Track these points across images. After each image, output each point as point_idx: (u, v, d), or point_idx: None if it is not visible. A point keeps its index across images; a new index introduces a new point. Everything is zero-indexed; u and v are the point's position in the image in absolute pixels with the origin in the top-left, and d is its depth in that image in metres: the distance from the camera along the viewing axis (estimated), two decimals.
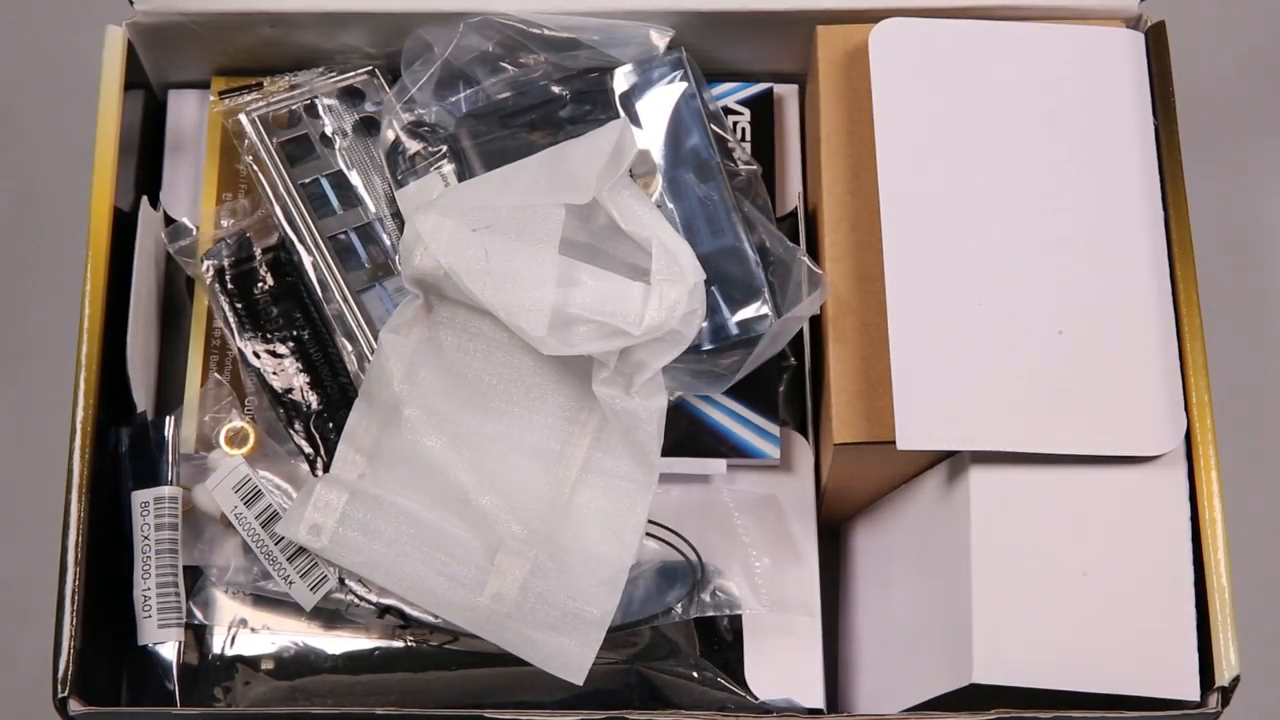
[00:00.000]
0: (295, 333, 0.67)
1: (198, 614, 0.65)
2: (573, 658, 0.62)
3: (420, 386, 0.64)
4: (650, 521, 0.65)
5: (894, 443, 0.61)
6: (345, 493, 0.64)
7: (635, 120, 0.68)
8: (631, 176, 0.65)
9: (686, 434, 0.67)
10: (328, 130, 0.69)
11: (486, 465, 0.63)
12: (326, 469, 0.65)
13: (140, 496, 0.64)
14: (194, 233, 0.69)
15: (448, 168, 0.68)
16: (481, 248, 0.61)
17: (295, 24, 0.69)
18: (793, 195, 0.72)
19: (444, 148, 0.68)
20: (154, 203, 0.70)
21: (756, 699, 0.65)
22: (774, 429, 0.68)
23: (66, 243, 0.74)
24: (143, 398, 0.66)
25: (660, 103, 0.68)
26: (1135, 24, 0.67)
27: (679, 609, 0.66)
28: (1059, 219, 0.63)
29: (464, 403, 0.64)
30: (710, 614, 0.66)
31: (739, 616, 0.66)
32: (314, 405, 0.66)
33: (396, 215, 0.68)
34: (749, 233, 0.66)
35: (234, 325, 0.67)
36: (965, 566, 0.60)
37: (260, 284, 0.67)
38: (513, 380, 0.64)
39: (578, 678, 0.62)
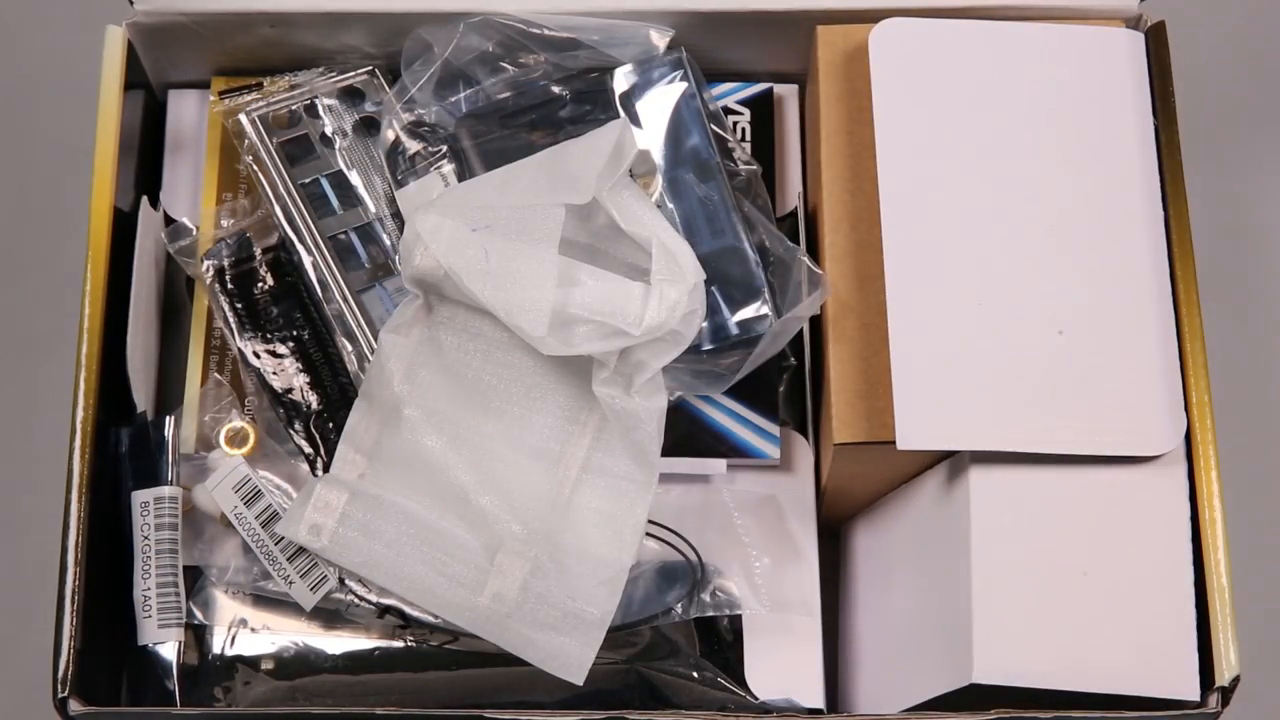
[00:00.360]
0: (295, 333, 0.67)
1: (198, 614, 0.65)
2: (573, 658, 0.62)
3: (420, 386, 0.64)
4: (650, 521, 0.65)
5: (894, 443, 0.61)
6: (345, 493, 0.64)
7: (635, 120, 0.68)
8: (631, 176, 0.65)
9: (686, 434, 0.67)
10: (328, 130, 0.69)
11: (486, 465, 0.63)
12: (326, 469, 0.65)
13: (140, 496, 0.64)
14: (194, 233, 0.69)
15: (448, 168, 0.67)
16: (481, 248, 0.61)
17: (295, 24, 0.69)
18: (793, 195, 0.72)
19: (444, 148, 0.68)
20: (154, 203, 0.70)
21: (756, 699, 0.65)
22: (774, 429, 0.68)
23: (66, 243, 0.75)
24: (143, 398, 0.66)
25: (660, 103, 0.68)
26: (1135, 24, 0.67)
27: (679, 609, 0.66)
28: (1059, 219, 0.63)
29: (464, 403, 0.64)
30: (710, 614, 0.66)
31: (739, 616, 0.66)
32: (314, 405, 0.66)
33: (396, 215, 0.68)
34: (749, 233, 0.66)
35: (234, 325, 0.67)
36: (965, 566, 0.60)
37: (260, 284, 0.67)
38: (513, 380, 0.64)
39: (578, 678, 0.62)
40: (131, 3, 0.68)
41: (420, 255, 0.62)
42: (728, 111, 0.72)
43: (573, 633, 0.62)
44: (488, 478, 0.63)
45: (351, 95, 0.70)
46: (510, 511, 0.63)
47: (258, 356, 0.67)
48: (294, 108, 0.69)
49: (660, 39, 0.69)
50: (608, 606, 0.62)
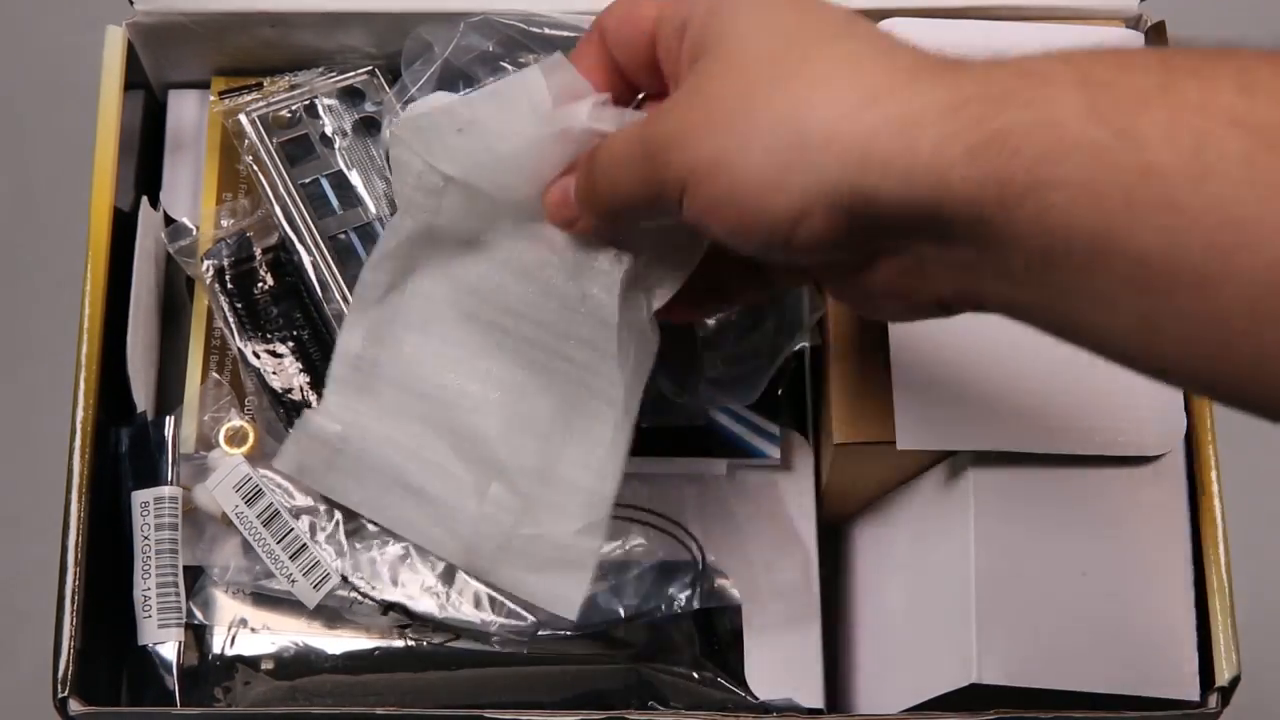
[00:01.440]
0: (295, 333, 0.67)
1: (198, 614, 0.65)
2: (563, 595, 0.60)
3: (418, 309, 0.62)
4: (651, 511, 0.64)
5: (894, 443, 0.61)
6: (337, 425, 0.62)
7: None
8: None
9: (686, 434, 0.67)
10: (328, 130, 0.69)
11: (483, 394, 0.61)
12: None
13: (140, 496, 0.64)
14: (194, 233, 0.69)
15: None
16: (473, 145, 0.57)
17: (295, 24, 0.69)
18: None
19: None
20: (154, 203, 0.70)
21: (756, 699, 0.65)
22: (774, 429, 0.68)
23: (66, 243, 0.75)
24: (143, 398, 0.66)
25: None
26: (1135, 24, 0.67)
27: (682, 599, 0.65)
28: None
29: (464, 328, 0.61)
30: (712, 605, 0.66)
31: (739, 617, 0.66)
32: (314, 405, 0.66)
33: None
34: None
35: (234, 325, 0.67)
36: (965, 566, 0.60)
37: (260, 284, 0.67)
38: (515, 302, 0.60)
39: (571, 613, 0.60)
40: (131, 3, 0.68)
41: (422, 166, 0.58)
42: None
43: (563, 573, 0.60)
44: (484, 407, 0.61)
45: (351, 95, 0.70)
46: (506, 444, 0.61)
47: (258, 356, 0.67)
48: (294, 108, 0.69)
49: None
50: (594, 545, 0.60)
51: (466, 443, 0.61)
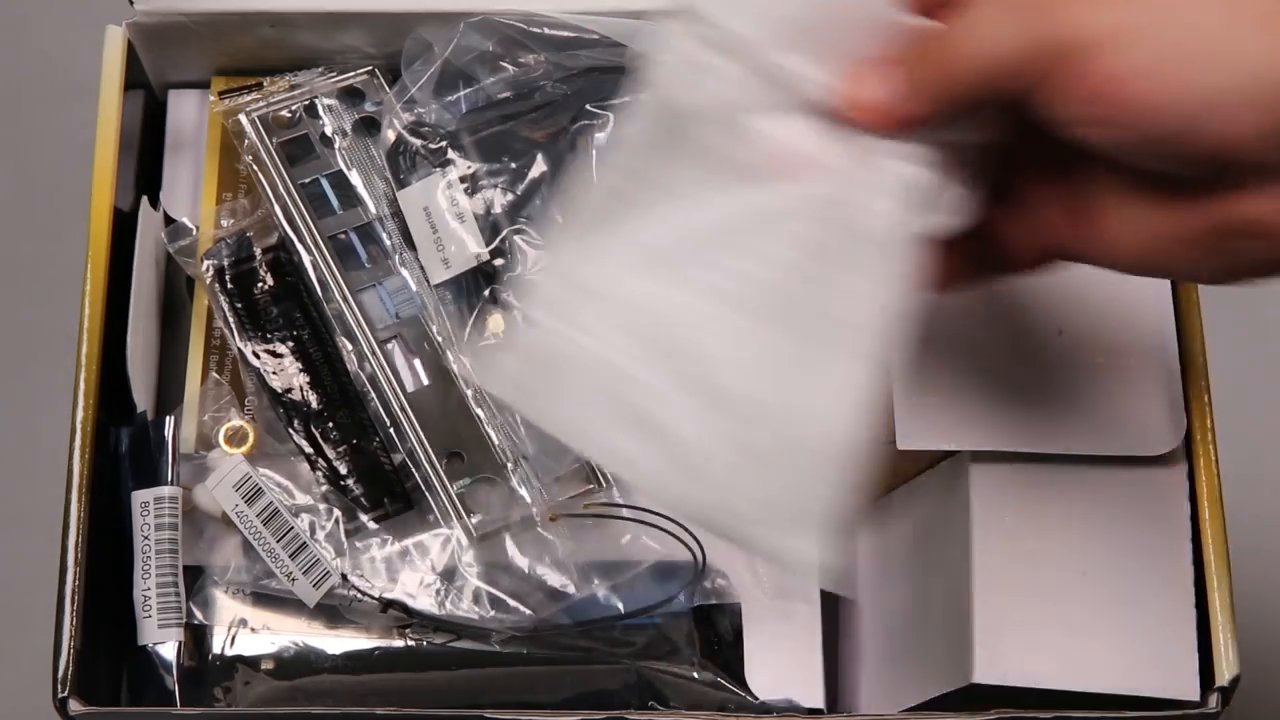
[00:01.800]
0: (295, 333, 0.67)
1: (198, 614, 0.65)
2: (804, 559, 0.51)
3: (641, 217, 0.52)
4: (651, 511, 0.64)
5: (894, 443, 0.61)
6: (551, 340, 0.52)
7: None
8: None
9: None
10: (328, 130, 0.69)
11: (712, 314, 0.51)
12: (328, 468, 0.65)
13: (140, 496, 0.64)
14: (194, 233, 0.69)
15: (449, 167, 0.68)
16: None
17: (295, 24, 0.69)
18: None
19: (445, 146, 0.68)
20: (154, 203, 0.70)
21: (756, 699, 0.65)
22: None
23: (66, 243, 0.75)
24: (143, 398, 0.66)
25: None
26: None
27: (681, 597, 0.65)
28: None
29: (695, 247, 0.51)
30: (712, 601, 0.66)
31: (739, 617, 0.66)
32: (314, 405, 0.66)
33: (396, 215, 0.68)
34: None
35: (234, 325, 0.67)
36: (965, 566, 0.60)
37: (260, 284, 0.67)
38: (766, 232, 0.51)
39: (815, 576, 0.52)
40: (131, 3, 0.68)
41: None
42: None
43: (803, 532, 0.51)
44: (710, 326, 0.51)
45: (351, 95, 0.70)
46: (734, 370, 0.51)
47: (257, 356, 0.67)
48: (294, 108, 0.69)
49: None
50: (839, 498, 0.51)
51: (685, 362, 0.51)
